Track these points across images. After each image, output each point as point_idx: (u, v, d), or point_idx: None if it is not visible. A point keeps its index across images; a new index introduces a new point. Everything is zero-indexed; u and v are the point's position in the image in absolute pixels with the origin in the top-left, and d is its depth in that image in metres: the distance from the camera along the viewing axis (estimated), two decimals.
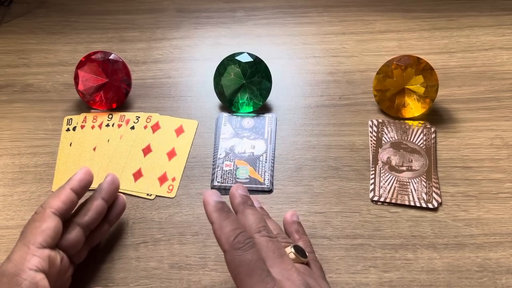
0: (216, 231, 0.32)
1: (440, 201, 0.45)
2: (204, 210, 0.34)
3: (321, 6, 0.64)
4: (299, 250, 0.35)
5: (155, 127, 0.52)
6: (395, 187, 0.46)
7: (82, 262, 0.42)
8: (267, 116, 0.52)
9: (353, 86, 0.55)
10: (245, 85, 0.51)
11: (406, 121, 0.51)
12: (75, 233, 0.38)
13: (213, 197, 0.34)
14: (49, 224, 0.36)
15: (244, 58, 0.50)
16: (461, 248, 0.42)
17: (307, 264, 0.35)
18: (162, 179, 0.48)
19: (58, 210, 0.37)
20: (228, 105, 0.52)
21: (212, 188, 0.47)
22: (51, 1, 0.68)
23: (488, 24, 0.60)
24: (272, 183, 0.47)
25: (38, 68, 0.59)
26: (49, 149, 0.51)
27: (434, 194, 0.45)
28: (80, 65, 0.51)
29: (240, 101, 0.52)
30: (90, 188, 0.47)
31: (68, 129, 0.52)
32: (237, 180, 0.47)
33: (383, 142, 0.49)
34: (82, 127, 0.52)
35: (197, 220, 0.45)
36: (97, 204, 0.40)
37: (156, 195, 0.47)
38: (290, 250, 0.35)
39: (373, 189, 0.46)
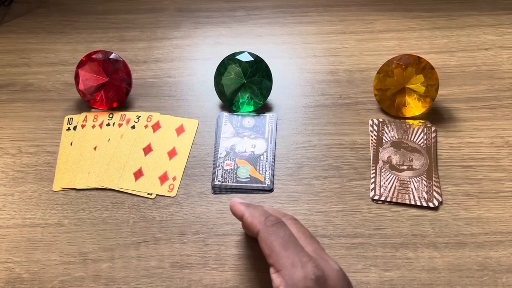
0: (248, 218, 0.36)
1: (440, 200, 0.45)
2: (232, 211, 0.38)
3: (321, 5, 0.64)
4: None
5: (156, 127, 0.52)
6: (395, 186, 0.46)
7: (82, 261, 0.42)
8: (268, 115, 0.52)
9: (354, 85, 0.55)
10: (245, 84, 0.51)
11: (407, 120, 0.51)
12: None
13: (237, 199, 0.38)
14: None
15: (245, 58, 0.50)
16: (461, 247, 0.42)
17: None
18: (163, 178, 0.48)
19: None
20: (229, 104, 0.52)
21: (212, 187, 0.47)
22: (51, 1, 0.68)
23: (488, 23, 0.60)
24: (272, 182, 0.47)
25: (39, 68, 0.59)
26: (49, 148, 0.51)
27: (434, 193, 0.45)
28: (81, 64, 0.51)
29: (241, 101, 0.52)
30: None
31: (68, 129, 0.52)
32: (237, 179, 0.47)
33: (383, 141, 0.49)
34: (83, 126, 0.52)
35: (198, 219, 0.45)
36: None
37: (157, 194, 0.47)
38: None
39: (374, 188, 0.46)
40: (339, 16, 0.63)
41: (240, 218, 0.37)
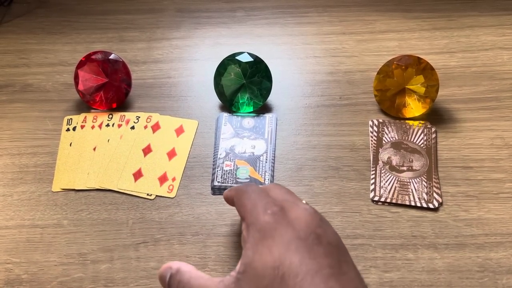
0: (230, 191, 0.38)
1: (440, 201, 0.45)
2: (225, 199, 0.39)
3: (321, 6, 0.64)
4: None
5: (155, 127, 0.52)
6: (395, 187, 0.46)
7: (81, 262, 0.42)
8: (267, 116, 0.52)
9: (354, 86, 0.55)
10: (245, 85, 0.51)
11: (407, 121, 0.51)
12: None
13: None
14: None
15: (244, 58, 0.50)
16: (461, 248, 0.42)
17: None
18: (162, 179, 0.48)
19: None
20: (229, 105, 0.52)
21: (212, 188, 0.47)
22: (51, 1, 0.68)
23: (489, 24, 0.60)
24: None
25: (38, 68, 0.59)
26: (49, 149, 0.51)
27: (434, 194, 0.45)
28: (80, 65, 0.51)
29: (241, 101, 0.52)
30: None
31: (68, 129, 0.52)
32: (237, 180, 0.47)
33: (383, 142, 0.49)
34: (82, 127, 0.52)
35: (197, 220, 0.45)
36: None
37: (156, 195, 0.47)
38: None
39: (374, 189, 0.46)
40: (339, 16, 0.63)
41: (231, 199, 0.37)
